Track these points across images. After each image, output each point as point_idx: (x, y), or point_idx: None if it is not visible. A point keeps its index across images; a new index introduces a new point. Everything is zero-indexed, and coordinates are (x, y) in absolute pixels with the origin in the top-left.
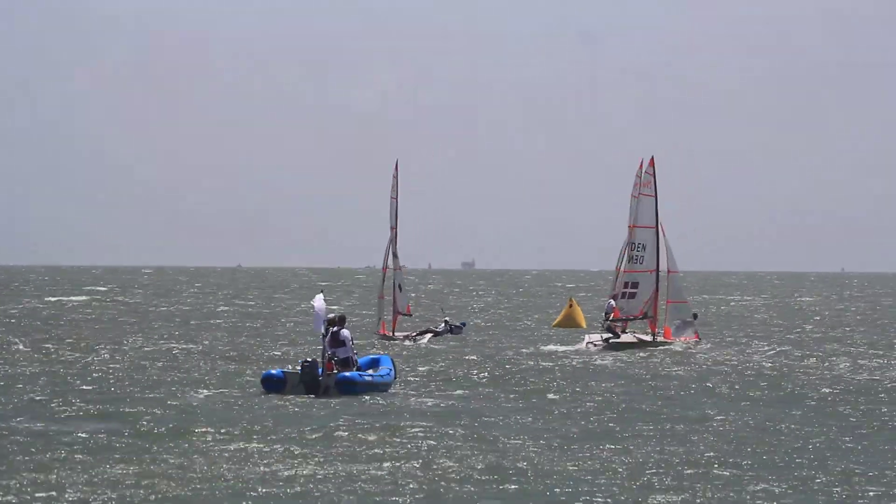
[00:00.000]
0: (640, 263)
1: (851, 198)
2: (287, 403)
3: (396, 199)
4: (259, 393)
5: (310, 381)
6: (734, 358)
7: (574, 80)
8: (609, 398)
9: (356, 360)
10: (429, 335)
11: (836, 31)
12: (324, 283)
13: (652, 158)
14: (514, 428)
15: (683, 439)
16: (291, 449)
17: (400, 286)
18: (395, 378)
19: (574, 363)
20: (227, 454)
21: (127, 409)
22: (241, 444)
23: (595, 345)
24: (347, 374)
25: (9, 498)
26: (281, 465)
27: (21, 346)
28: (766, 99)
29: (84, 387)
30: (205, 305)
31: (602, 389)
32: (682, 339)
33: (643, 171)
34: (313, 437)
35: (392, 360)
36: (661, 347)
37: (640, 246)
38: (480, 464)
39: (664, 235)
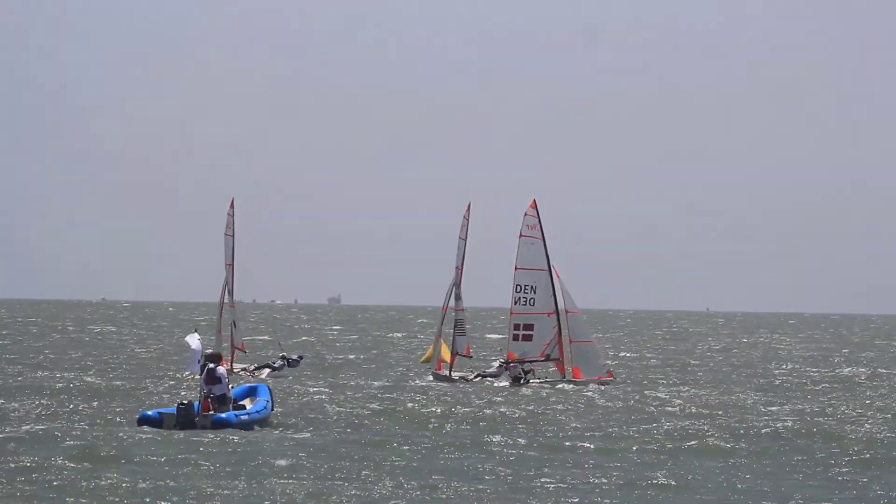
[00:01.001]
0: (532, 305)
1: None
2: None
3: (233, 236)
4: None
5: (186, 423)
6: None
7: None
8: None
9: (231, 397)
10: (266, 370)
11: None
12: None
13: (534, 201)
14: (391, 466)
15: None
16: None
17: (234, 323)
18: (273, 409)
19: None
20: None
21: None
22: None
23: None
24: (223, 415)
25: None
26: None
27: None
28: None
29: None
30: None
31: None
32: (596, 378)
33: (525, 214)
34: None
35: (270, 389)
36: (569, 386)
37: (530, 288)
38: None
39: (558, 278)
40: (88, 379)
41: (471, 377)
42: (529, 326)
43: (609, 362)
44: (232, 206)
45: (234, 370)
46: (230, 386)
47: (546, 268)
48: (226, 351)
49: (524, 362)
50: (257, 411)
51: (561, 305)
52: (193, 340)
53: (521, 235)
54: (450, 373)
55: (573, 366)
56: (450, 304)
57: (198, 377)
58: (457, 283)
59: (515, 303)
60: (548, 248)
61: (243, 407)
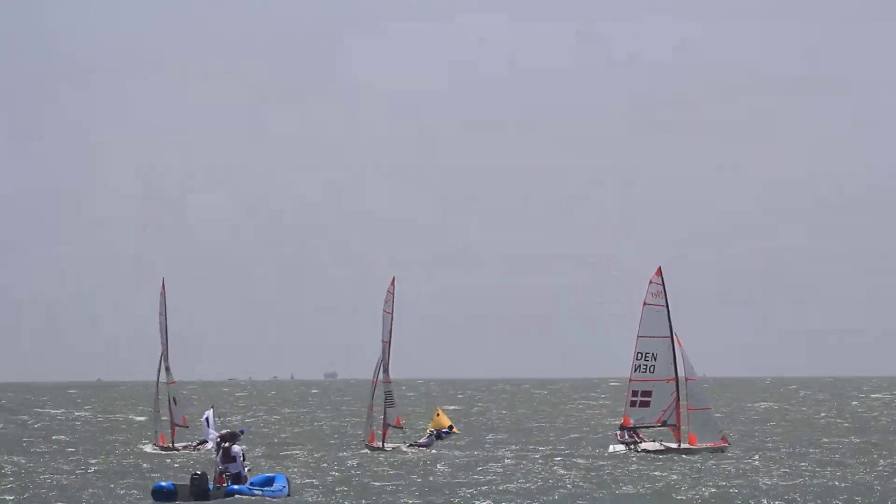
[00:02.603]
0: (652, 372)
1: None
2: None
3: (165, 315)
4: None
5: (199, 494)
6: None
7: None
8: None
9: (247, 477)
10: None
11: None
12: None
13: (659, 269)
14: None
15: None
16: None
17: (175, 399)
18: (289, 495)
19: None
20: None
21: None
22: None
23: (617, 452)
24: (236, 486)
25: None
26: None
27: None
28: None
29: None
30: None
31: None
32: (711, 444)
33: (650, 282)
34: None
35: (287, 478)
36: (685, 454)
37: (651, 356)
38: None
39: (680, 345)
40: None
41: (404, 447)
42: (648, 393)
43: (723, 429)
44: (163, 286)
45: (175, 447)
46: (247, 468)
47: (668, 335)
48: (165, 427)
49: (630, 428)
50: (272, 490)
51: (681, 373)
52: (209, 416)
53: (644, 304)
54: (383, 444)
55: (690, 432)
56: (379, 378)
57: (204, 448)
58: (384, 357)
59: (635, 370)
60: (670, 316)
61: None
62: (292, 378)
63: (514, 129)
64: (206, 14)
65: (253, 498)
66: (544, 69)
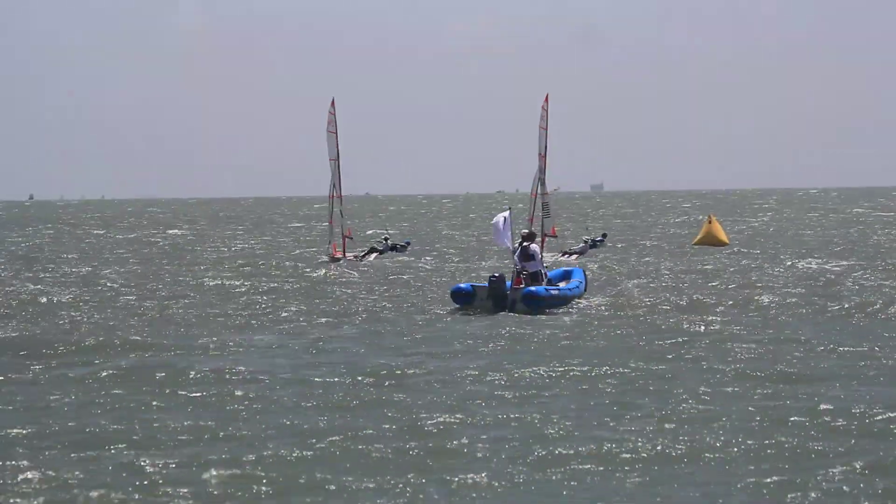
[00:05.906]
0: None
1: None
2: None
3: (336, 133)
4: (449, 305)
5: (497, 296)
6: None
7: None
8: None
9: (546, 274)
10: (374, 254)
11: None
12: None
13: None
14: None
15: None
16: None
17: (341, 213)
18: (585, 291)
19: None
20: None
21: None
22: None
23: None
24: (533, 288)
25: None
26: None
27: None
28: None
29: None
30: None
31: None
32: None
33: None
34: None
35: (584, 272)
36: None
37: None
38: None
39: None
40: None
41: (560, 256)
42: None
43: None
44: (333, 104)
45: (346, 256)
46: (545, 266)
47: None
48: (337, 238)
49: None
50: (569, 288)
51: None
52: (504, 216)
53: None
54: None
55: None
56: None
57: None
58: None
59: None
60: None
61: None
62: (517, 191)
63: None
64: None
65: (550, 297)
66: None
